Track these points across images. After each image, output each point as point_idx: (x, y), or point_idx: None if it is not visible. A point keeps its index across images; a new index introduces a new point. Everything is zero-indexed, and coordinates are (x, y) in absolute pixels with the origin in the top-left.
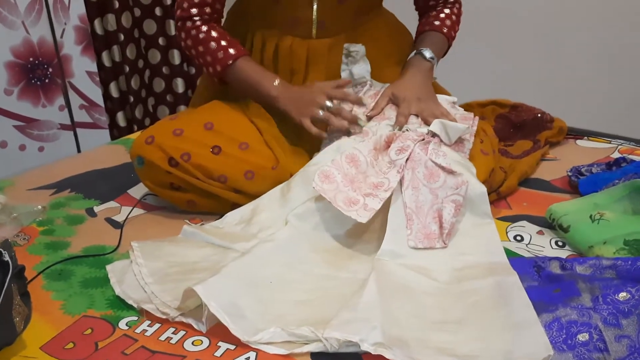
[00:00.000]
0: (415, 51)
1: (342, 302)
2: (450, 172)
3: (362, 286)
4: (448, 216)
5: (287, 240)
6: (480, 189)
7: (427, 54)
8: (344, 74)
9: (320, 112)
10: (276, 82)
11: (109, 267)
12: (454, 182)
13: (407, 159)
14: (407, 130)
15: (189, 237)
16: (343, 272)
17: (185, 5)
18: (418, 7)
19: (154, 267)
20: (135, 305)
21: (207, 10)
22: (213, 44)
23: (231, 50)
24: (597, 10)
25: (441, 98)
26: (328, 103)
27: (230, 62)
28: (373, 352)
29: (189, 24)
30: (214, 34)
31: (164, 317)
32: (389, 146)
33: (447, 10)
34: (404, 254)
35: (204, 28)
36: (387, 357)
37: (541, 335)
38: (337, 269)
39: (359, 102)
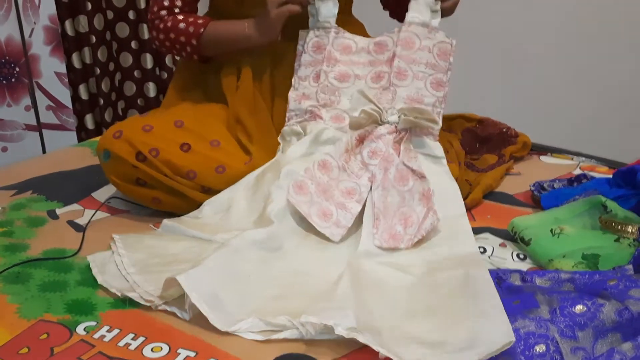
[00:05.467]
0: None
1: (317, 297)
2: (421, 176)
3: (336, 281)
4: (422, 223)
5: (265, 236)
6: (453, 185)
7: None
8: (311, 11)
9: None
10: (246, 25)
11: (90, 258)
12: (421, 189)
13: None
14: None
15: (168, 230)
16: (318, 269)
17: (156, 9)
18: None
19: (135, 257)
20: (118, 294)
21: (177, 11)
22: (182, 24)
23: (199, 21)
24: (563, 28)
25: None
26: None
27: (202, 30)
28: (346, 336)
29: (157, 22)
30: (179, 17)
31: (148, 304)
32: (361, 142)
33: None
34: (380, 253)
35: (170, 17)
36: (360, 340)
37: (505, 323)
38: (312, 266)
39: None
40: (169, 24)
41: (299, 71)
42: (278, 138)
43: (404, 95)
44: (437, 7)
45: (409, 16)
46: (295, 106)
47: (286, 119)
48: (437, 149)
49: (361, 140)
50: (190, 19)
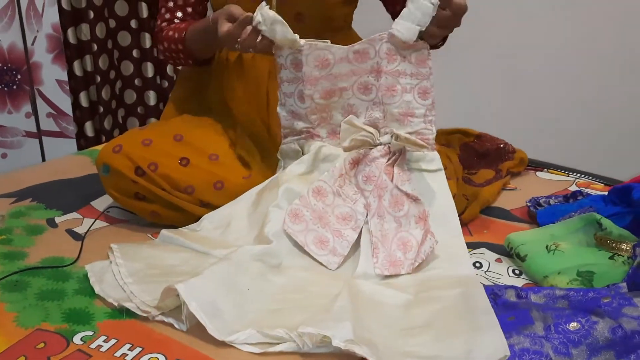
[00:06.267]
0: None
1: (314, 310)
2: (415, 199)
3: (334, 297)
4: (421, 247)
5: (264, 252)
6: (449, 204)
7: None
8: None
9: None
10: (210, 20)
11: (88, 267)
12: (417, 211)
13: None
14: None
15: (166, 241)
16: (315, 286)
17: (159, 22)
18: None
19: (133, 267)
20: (115, 304)
21: (176, 22)
22: (171, 32)
23: (182, 26)
24: (561, 46)
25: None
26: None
27: (184, 33)
28: (343, 348)
29: (159, 34)
30: (172, 27)
31: (144, 315)
32: (355, 165)
33: None
34: (377, 276)
35: (167, 28)
36: (357, 352)
37: (500, 338)
38: (310, 283)
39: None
40: (163, 34)
41: (283, 87)
42: (277, 154)
43: (395, 113)
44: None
45: (395, 28)
46: (289, 124)
47: (282, 136)
48: (435, 160)
49: (355, 164)
50: (177, 26)
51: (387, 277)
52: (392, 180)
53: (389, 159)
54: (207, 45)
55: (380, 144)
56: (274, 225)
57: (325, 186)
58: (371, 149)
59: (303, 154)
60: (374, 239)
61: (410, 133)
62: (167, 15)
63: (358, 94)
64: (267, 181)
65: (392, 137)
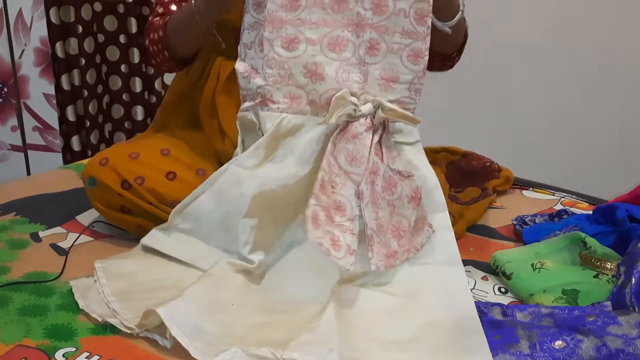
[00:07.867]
0: None
1: (301, 325)
2: (408, 176)
3: (321, 310)
4: (417, 236)
5: (247, 264)
6: (432, 177)
7: None
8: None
9: None
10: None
11: (72, 282)
12: (410, 190)
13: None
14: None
15: (154, 242)
16: (302, 296)
17: (151, 18)
18: None
19: (116, 286)
20: (99, 320)
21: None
22: (156, 20)
23: (165, 15)
24: (547, 66)
25: None
26: None
27: (167, 17)
28: None
29: (146, 28)
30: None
31: (129, 331)
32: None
33: None
34: (362, 275)
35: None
36: None
37: (488, 356)
38: (296, 294)
39: None
40: (148, 26)
41: (243, 36)
42: (236, 123)
43: (377, 75)
44: None
45: None
46: (245, 85)
47: (241, 98)
48: (413, 131)
49: (333, 141)
50: (164, 17)
51: (374, 277)
52: (382, 160)
53: (373, 134)
54: (186, 30)
55: (362, 115)
56: (250, 244)
57: (325, 177)
58: (352, 121)
59: (260, 128)
60: (369, 231)
61: (391, 101)
62: (160, 10)
63: (327, 50)
64: (226, 173)
65: (374, 106)
